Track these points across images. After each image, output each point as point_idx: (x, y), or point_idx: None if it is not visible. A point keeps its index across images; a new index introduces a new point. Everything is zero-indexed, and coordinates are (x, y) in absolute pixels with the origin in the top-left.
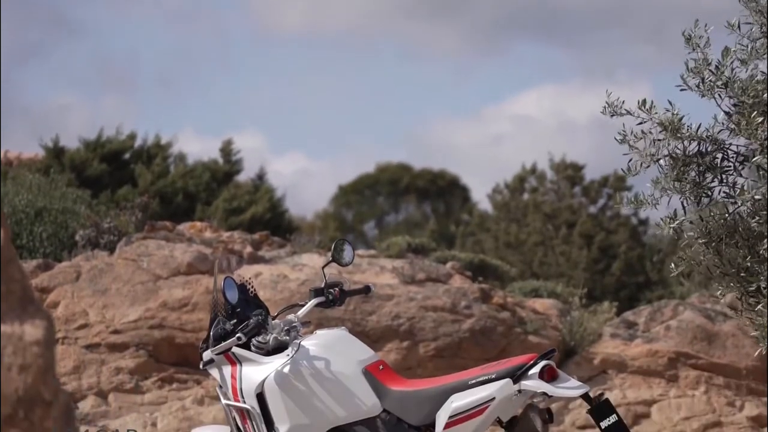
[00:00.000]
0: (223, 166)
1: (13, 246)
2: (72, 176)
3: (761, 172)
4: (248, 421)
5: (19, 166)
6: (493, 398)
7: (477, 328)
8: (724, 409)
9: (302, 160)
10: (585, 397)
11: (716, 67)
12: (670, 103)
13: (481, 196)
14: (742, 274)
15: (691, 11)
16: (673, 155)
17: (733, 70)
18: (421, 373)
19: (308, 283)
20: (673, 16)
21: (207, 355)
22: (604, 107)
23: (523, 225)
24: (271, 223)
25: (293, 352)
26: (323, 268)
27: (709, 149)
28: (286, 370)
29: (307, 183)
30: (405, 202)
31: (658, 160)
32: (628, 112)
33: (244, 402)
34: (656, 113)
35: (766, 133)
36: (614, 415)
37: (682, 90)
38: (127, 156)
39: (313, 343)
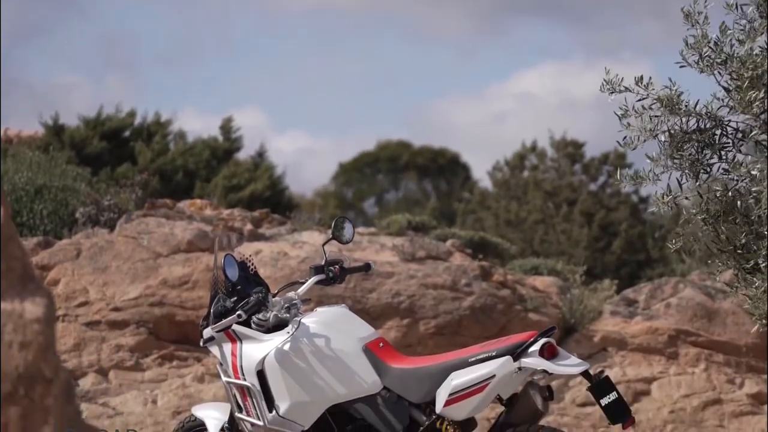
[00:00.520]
0: (223, 144)
1: (13, 223)
2: (72, 154)
3: (759, 148)
4: (248, 398)
5: (19, 144)
6: (494, 376)
7: (477, 306)
8: (724, 386)
9: (304, 139)
10: (585, 374)
11: (715, 43)
12: (670, 80)
13: (483, 175)
14: (739, 251)
15: None
16: (672, 131)
17: (732, 46)
18: (421, 351)
19: (308, 261)
20: None
21: (207, 332)
22: (602, 84)
23: (523, 203)
24: (270, 200)
25: (293, 329)
26: (323, 245)
27: (707, 126)
28: (287, 347)
29: (309, 161)
30: (405, 180)
31: (656, 135)
32: (627, 89)
33: (245, 379)
34: (653, 90)
35: (762, 108)
36: (614, 393)
37: (681, 66)
38: (126, 134)
39: (313, 320)
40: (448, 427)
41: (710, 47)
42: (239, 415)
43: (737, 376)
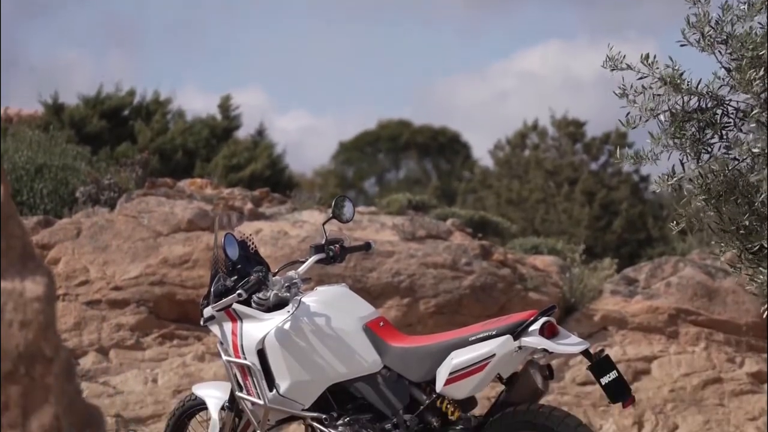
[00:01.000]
0: (222, 122)
1: (14, 202)
2: (71, 133)
3: (760, 127)
4: (249, 377)
5: (19, 123)
6: (494, 355)
7: (477, 285)
8: (724, 365)
9: (306, 117)
10: (585, 353)
11: (716, 22)
12: (671, 59)
13: (483, 154)
14: (741, 232)
15: None
16: (673, 111)
17: (733, 25)
18: (421, 330)
19: (309, 240)
20: None
21: (208, 311)
22: (605, 61)
23: (524, 182)
24: (270, 179)
25: (294, 308)
26: (324, 224)
27: (709, 105)
28: (287, 326)
29: (311, 140)
30: (406, 159)
31: (657, 115)
32: (629, 67)
33: (245, 358)
34: (657, 68)
35: (762, 87)
36: (614, 372)
37: (682, 45)
38: (126, 113)
39: (313, 299)
40: (449, 405)
41: (711, 26)
42: (240, 394)
43: (737, 355)
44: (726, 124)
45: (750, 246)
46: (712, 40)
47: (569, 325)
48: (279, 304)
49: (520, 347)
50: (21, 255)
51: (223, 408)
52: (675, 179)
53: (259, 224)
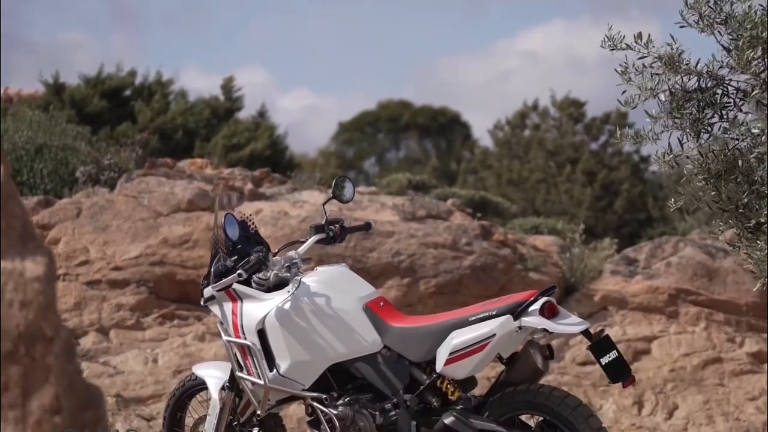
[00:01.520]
0: (224, 103)
1: (14, 182)
2: (72, 113)
3: (760, 107)
4: (249, 357)
5: (19, 103)
6: (494, 335)
7: (477, 265)
8: (724, 345)
9: (309, 97)
10: (585, 333)
11: (715, 2)
12: (672, 37)
13: (483, 134)
14: (740, 211)
15: None
16: (672, 90)
17: (732, 5)
18: (421, 310)
19: (309, 220)
20: None
21: (208, 291)
22: (604, 40)
23: (525, 162)
24: (270, 159)
25: (294, 288)
26: (324, 204)
27: (708, 85)
28: (287, 306)
29: (314, 119)
30: (406, 139)
31: (657, 94)
32: (629, 46)
33: (245, 338)
34: (654, 47)
35: (761, 67)
36: (614, 351)
37: (681, 27)
38: (127, 93)
39: (313, 279)
40: (449, 386)
41: (710, 6)
42: (240, 374)
43: (737, 335)
44: (726, 104)
45: (748, 224)
46: (710, 20)
47: (569, 305)
48: (279, 284)
49: (520, 327)
50: (21, 235)
51: (223, 388)
52: (672, 156)
53: (259, 204)
